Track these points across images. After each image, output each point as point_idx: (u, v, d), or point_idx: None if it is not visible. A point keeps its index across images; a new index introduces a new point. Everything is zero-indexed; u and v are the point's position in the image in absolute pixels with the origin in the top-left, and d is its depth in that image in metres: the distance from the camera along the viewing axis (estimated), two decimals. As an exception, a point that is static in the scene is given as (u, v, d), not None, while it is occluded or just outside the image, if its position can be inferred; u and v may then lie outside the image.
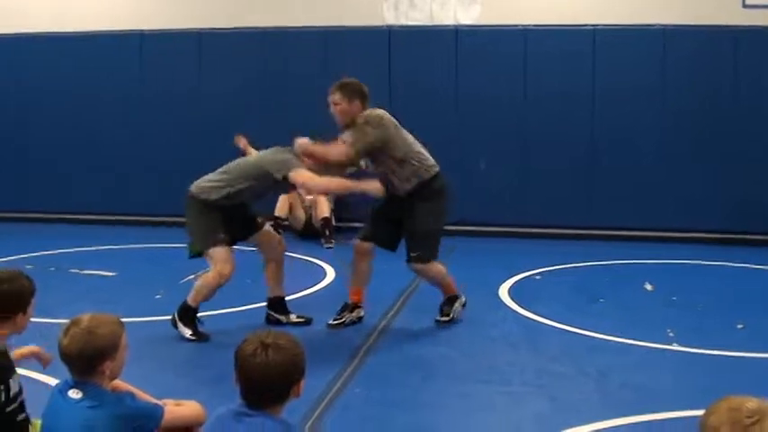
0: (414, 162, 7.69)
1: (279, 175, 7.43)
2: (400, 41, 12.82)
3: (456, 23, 12.97)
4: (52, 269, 10.09)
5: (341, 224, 12.32)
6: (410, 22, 13.06)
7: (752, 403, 2.88)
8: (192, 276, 9.69)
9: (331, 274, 10.04)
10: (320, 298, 9.03)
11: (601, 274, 10.51)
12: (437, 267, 7.90)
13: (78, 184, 13.67)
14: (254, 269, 9.68)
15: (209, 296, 7.57)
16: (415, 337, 7.58)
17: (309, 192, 7.49)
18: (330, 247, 11.74)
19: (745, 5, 12.37)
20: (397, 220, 7.80)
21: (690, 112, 12.30)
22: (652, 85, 12.36)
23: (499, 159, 12.70)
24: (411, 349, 7.27)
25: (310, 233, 12.30)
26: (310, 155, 7.59)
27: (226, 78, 13.22)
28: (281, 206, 12.22)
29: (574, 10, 12.70)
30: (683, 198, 12.42)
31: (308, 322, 7.92)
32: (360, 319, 8.02)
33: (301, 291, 9.21)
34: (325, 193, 7.41)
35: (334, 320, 7.94)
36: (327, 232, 12.00)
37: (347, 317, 7.96)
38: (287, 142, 12.59)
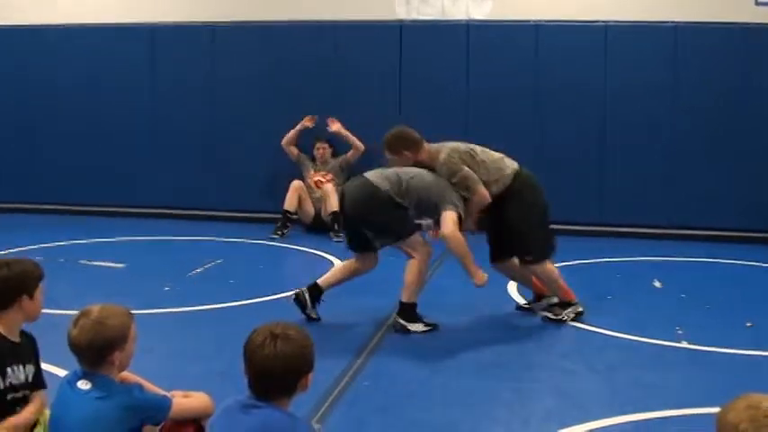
0: (493, 177, 7.93)
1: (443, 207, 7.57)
2: (412, 36, 12.81)
3: (468, 18, 12.94)
4: (62, 260, 10.11)
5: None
6: (422, 17, 13.03)
7: None
8: (200, 269, 9.73)
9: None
10: (329, 291, 9.01)
11: (610, 271, 10.50)
12: (547, 267, 8.05)
13: (89, 176, 13.68)
14: (263, 259, 9.75)
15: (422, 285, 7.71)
16: (425, 332, 7.56)
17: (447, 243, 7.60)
18: (339, 241, 11.71)
19: (757, 3, 12.33)
20: (498, 230, 8.09)
21: (702, 110, 12.27)
22: (664, 81, 12.33)
23: (511, 155, 12.62)
24: (420, 344, 7.27)
25: (319, 227, 12.31)
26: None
27: (238, 72, 13.22)
28: (291, 199, 12.21)
29: (586, 5, 12.66)
30: (693, 195, 12.40)
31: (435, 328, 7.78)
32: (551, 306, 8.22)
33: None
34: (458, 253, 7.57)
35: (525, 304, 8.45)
36: (336, 226, 11.99)
37: (534, 305, 8.36)
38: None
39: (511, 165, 8.12)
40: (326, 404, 5.60)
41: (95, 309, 3.85)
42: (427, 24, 12.88)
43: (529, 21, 12.65)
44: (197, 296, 8.54)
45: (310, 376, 3.56)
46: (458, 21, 12.91)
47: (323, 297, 7.87)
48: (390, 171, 7.71)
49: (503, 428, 5.54)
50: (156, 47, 13.44)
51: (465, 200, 7.74)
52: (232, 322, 7.58)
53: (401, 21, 12.95)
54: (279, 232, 11.97)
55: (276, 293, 8.59)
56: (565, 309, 7.97)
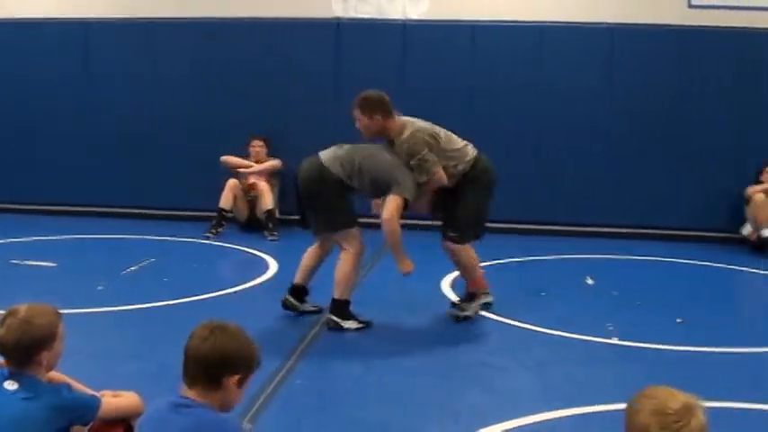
0: (451, 163, 7.91)
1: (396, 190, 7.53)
2: (349, 34, 12.81)
3: (405, 18, 12.96)
4: (-7, 259, 10.01)
5: (284, 216, 12.28)
6: (359, 15, 13.03)
7: (677, 402, 2.92)
8: (134, 268, 9.66)
9: (273, 266, 10.01)
10: (263, 290, 9.01)
11: (543, 269, 10.60)
12: (469, 251, 8.06)
13: (20, 173, 13.50)
14: (198, 257, 9.69)
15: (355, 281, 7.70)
16: (359, 330, 7.57)
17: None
18: (274, 240, 11.71)
19: (690, 6, 12.50)
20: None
21: (636, 111, 12.41)
22: (600, 82, 12.45)
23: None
24: (353, 341, 7.29)
25: (254, 225, 12.27)
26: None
27: (174, 69, 13.11)
28: (226, 198, 12.14)
29: (522, 7, 12.73)
30: (627, 194, 12.54)
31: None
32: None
33: (244, 283, 9.18)
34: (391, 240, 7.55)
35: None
36: (271, 224, 11.97)
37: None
38: (229, 132, 12.66)
39: (472, 152, 8.14)
40: (258, 403, 5.59)
41: (22, 308, 3.82)
42: (364, 23, 12.88)
43: (465, 21, 12.70)
44: (131, 295, 8.47)
45: (242, 380, 3.54)
46: (395, 20, 12.93)
47: (308, 289, 7.96)
48: (344, 151, 7.65)
49: (435, 425, 5.57)
50: (91, 43, 13.30)
51: (420, 183, 7.72)
52: (165, 321, 7.56)
53: (338, 18, 12.94)
54: (213, 231, 11.91)
55: (210, 292, 8.57)
56: (471, 302, 8.02)
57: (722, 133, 12.32)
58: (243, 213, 12.43)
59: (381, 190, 7.62)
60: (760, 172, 11.95)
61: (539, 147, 12.67)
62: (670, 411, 2.89)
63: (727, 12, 12.35)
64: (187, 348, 3.52)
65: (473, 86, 12.61)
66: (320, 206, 7.60)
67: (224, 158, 12.46)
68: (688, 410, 2.90)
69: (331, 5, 13.08)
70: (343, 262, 7.56)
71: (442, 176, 7.76)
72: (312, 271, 7.92)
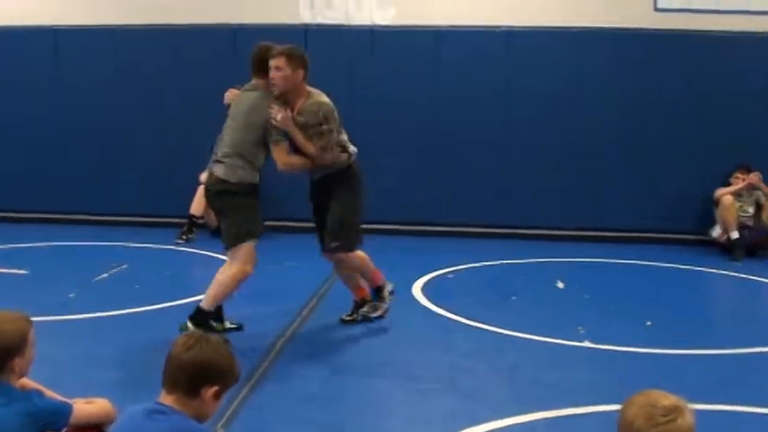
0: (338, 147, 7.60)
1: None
2: (316, 40, 12.80)
3: (371, 24, 12.98)
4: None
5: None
6: (326, 21, 13.04)
7: (668, 400, 2.96)
8: (106, 275, 9.64)
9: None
10: (235, 296, 8.98)
11: (514, 273, 10.62)
12: (357, 254, 7.77)
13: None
14: (169, 264, 9.67)
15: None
16: (327, 334, 7.60)
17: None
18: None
19: (657, 9, 12.58)
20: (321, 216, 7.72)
21: (604, 114, 12.47)
22: (565, 86, 12.50)
23: (412, 159, 12.76)
24: (322, 346, 7.29)
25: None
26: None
27: (143, 75, 13.07)
28: (197, 204, 12.09)
29: (488, 12, 12.77)
30: (596, 197, 12.60)
31: (239, 328, 7.64)
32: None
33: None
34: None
35: (347, 316, 8.05)
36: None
37: (358, 313, 8.06)
38: (200, 136, 12.63)
39: (353, 148, 7.81)
40: (231, 409, 5.58)
41: (-8, 315, 3.81)
42: (332, 29, 12.88)
43: (430, 26, 12.73)
44: (102, 302, 8.43)
45: (219, 391, 3.56)
46: (362, 26, 12.94)
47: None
48: (222, 152, 7.43)
49: (405, 429, 5.59)
50: (59, 49, 13.24)
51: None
52: (136, 328, 7.53)
53: (306, 25, 12.94)
54: (184, 237, 11.88)
55: (182, 298, 8.53)
56: (378, 301, 7.92)
57: (690, 136, 12.40)
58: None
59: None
60: (729, 174, 12.03)
61: (506, 151, 12.70)
62: (659, 407, 2.93)
63: (693, 15, 12.44)
64: (170, 355, 3.55)
65: (439, 90, 12.64)
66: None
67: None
68: (677, 409, 2.94)
69: (299, 12, 13.08)
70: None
71: (332, 156, 7.51)
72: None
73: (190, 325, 7.09)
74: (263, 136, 7.27)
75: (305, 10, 13.11)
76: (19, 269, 9.88)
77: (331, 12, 13.08)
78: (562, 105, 12.54)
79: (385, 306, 7.98)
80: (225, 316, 7.55)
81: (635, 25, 12.42)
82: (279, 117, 7.20)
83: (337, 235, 7.52)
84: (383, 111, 12.71)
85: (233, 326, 7.62)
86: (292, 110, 7.36)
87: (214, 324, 7.39)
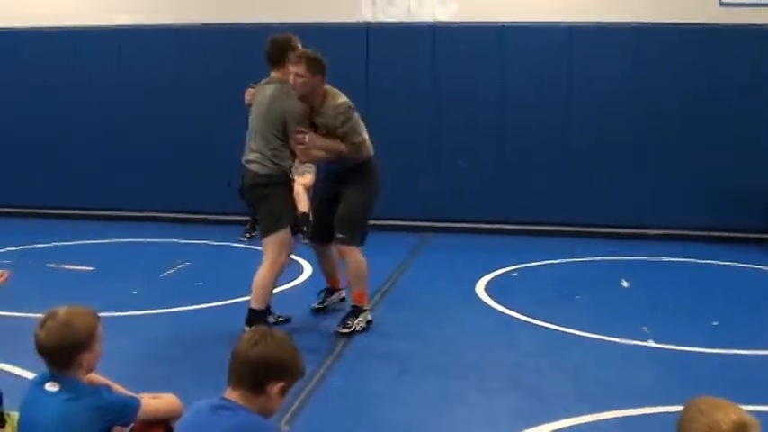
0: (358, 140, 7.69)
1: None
2: (378, 38, 12.83)
3: (433, 20, 12.98)
4: (31, 263, 10.05)
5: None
6: (388, 19, 13.05)
7: (728, 423, 2.86)
8: (171, 271, 9.72)
9: (308, 269, 10.03)
10: (298, 293, 9.03)
11: (577, 271, 10.56)
12: (359, 257, 7.79)
13: (59, 179, 13.63)
14: (231, 260, 9.71)
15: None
16: (393, 332, 7.59)
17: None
18: (307, 243, 11.70)
19: (722, 4, 12.44)
20: (332, 205, 7.84)
21: (666, 110, 12.38)
22: (628, 82, 12.42)
23: (477, 156, 12.74)
24: (387, 343, 7.28)
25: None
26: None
27: (204, 73, 13.19)
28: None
29: (550, 7, 12.73)
30: (661, 195, 12.49)
31: (287, 320, 7.81)
32: (342, 299, 8.30)
33: (278, 286, 9.17)
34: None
35: (318, 304, 8.23)
36: (305, 228, 11.95)
37: (329, 300, 8.29)
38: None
39: (371, 146, 7.84)
40: (295, 405, 5.60)
41: (62, 311, 3.84)
42: (394, 26, 12.90)
43: (494, 22, 12.70)
44: (166, 298, 8.53)
45: (285, 387, 3.56)
46: (424, 22, 12.94)
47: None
48: (250, 147, 7.65)
49: (471, 428, 5.56)
50: (123, 49, 13.38)
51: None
52: (200, 324, 7.58)
53: (368, 23, 12.96)
54: (247, 234, 11.95)
55: (245, 295, 8.54)
56: (356, 317, 7.67)
57: (757, 131, 12.25)
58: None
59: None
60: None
61: (568, 145, 12.65)
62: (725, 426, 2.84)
63: (759, 9, 12.27)
64: (235, 351, 3.55)
65: (503, 87, 12.61)
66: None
67: None
68: (745, 428, 2.85)
69: (360, 10, 13.11)
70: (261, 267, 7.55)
71: (355, 151, 7.62)
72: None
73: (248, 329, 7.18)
74: (284, 127, 7.38)
75: (366, 8, 13.13)
76: (85, 266, 10.00)
77: (393, 9, 13.10)
78: (625, 101, 12.44)
79: (354, 326, 7.63)
80: (272, 309, 7.71)
81: (699, 20, 12.29)
82: (307, 139, 7.38)
83: (344, 227, 7.67)
84: (445, 108, 12.69)
85: (281, 318, 7.75)
86: (312, 110, 7.51)
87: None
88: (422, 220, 12.78)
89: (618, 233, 12.51)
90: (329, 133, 7.50)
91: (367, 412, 5.74)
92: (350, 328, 7.55)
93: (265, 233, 7.50)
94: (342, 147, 7.49)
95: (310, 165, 11.11)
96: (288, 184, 7.57)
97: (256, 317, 7.31)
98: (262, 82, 7.77)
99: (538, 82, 12.58)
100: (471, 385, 6.30)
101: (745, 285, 10.16)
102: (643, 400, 5.81)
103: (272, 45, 7.69)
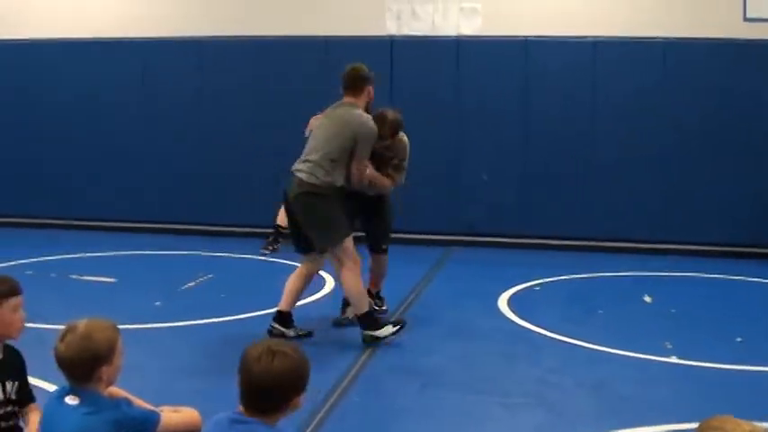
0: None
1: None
2: (402, 51, 12.83)
3: (458, 34, 12.97)
4: (53, 275, 10.10)
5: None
6: (412, 33, 13.06)
7: (746, 426, 2.83)
8: (193, 284, 9.73)
9: (330, 282, 10.02)
10: (320, 307, 9.02)
11: (600, 286, 10.52)
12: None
13: (80, 190, 13.66)
14: (254, 273, 9.71)
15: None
16: (414, 347, 7.57)
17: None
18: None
19: (746, 19, 12.40)
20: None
21: (690, 125, 12.31)
22: (652, 97, 12.36)
23: (501, 170, 12.71)
24: (409, 358, 7.27)
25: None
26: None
27: (226, 87, 13.21)
28: (284, 215, 12.13)
29: (575, 22, 12.70)
30: (684, 210, 12.42)
31: (310, 335, 7.81)
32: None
33: (301, 299, 9.17)
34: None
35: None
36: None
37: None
38: (285, 151, 12.72)
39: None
40: (317, 419, 5.59)
41: (81, 324, 3.84)
42: (418, 40, 12.90)
43: (518, 36, 12.68)
44: (188, 311, 8.54)
45: (303, 397, 3.54)
46: (448, 36, 12.94)
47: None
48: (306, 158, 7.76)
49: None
50: (148, 62, 13.43)
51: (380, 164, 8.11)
52: (222, 337, 7.59)
53: (392, 36, 12.97)
54: (270, 247, 11.94)
55: (267, 308, 8.57)
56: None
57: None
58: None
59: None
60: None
61: (590, 161, 12.59)
62: None
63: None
64: (247, 377, 3.46)
65: (527, 101, 12.58)
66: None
67: None
68: None
69: (385, 23, 13.13)
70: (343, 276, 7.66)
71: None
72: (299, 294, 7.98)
73: (370, 333, 7.51)
74: (354, 146, 7.58)
75: (391, 22, 13.14)
76: (107, 277, 10.03)
77: (417, 23, 13.10)
78: (649, 116, 12.39)
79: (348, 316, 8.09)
80: (295, 323, 7.81)
81: (724, 35, 12.25)
82: (368, 172, 7.84)
83: (385, 239, 8.45)
84: (468, 122, 12.68)
85: (302, 333, 7.76)
86: (379, 136, 7.91)
87: (284, 330, 7.64)
88: (444, 234, 12.77)
89: (641, 248, 12.45)
90: (383, 160, 8.11)
91: (388, 427, 5.73)
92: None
93: (327, 243, 7.61)
94: (387, 182, 8.13)
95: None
96: (336, 195, 7.63)
97: (368, 318, 7.57)
98: (336, 104, 8.05)
99: (562, 96, 12.54)
100: (494, 401, 6.29)
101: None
102: (666, 417, 5.79)
103: (353, 73, 8.20)
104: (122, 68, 13.51)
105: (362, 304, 7.56)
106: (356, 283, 7.55)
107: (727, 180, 12.29)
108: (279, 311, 7.76)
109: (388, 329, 7.53)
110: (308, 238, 7.70)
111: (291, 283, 7.87)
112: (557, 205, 12.52)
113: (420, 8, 13.10)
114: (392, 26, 13.14)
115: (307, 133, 8.44)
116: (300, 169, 7.62)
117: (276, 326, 7.69)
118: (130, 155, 13.51)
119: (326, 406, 5.88)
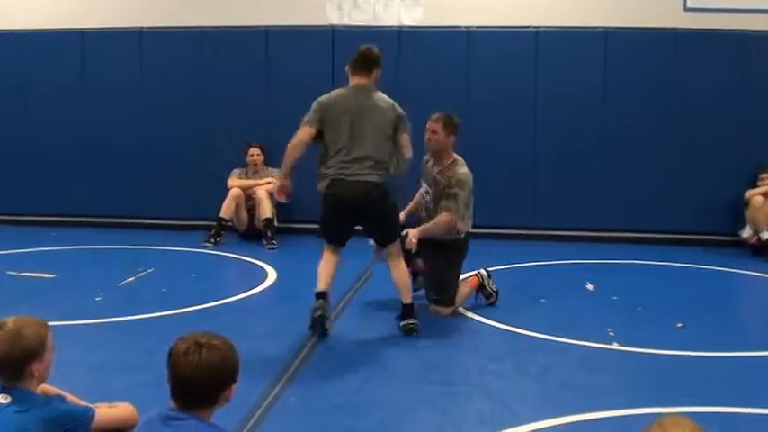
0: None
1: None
2: (344, 41, 12.74)
3: (399, 24, 12.96)
4: (-11, 271, 9.97)
5: (283, 225, 12.28)
6: (354, 23, 13.02)
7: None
8: (132, 278, 9.63)
9: (272, 274, 9.97)
10: (262, 299, 8.97)
11: (543, 275, 10.55)
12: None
13: (18, 185, 13.49)
14: (196, 267, 9.64)
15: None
16: (357, 338, 7.54)
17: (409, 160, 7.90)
18: (272, 249, 11.66)
19: (687, 9, 12.51)
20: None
21: (632, 114, 12.39)
22: (594, 86, 12.43)
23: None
24: (352, 349, 7.23)
25: (253, 234, 12.21)
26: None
27: (168, 77, 13.09)
28: (228, 207, 12.08)
29: (516, 12, 12.75)
30: (625, 198, 12.51)
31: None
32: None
33: (243, 292, 9.14)
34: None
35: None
36: (269, 233, 11.92)
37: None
38: (226, 141, 12.66)
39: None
40: (256, 415, 5.54)
41: (10, 321, 3.78)
42: (359, 30, 12.84)
43: (460, 27, 12.69)
44: (128, 306, 8.43)
45: (234, 388, 3.51)
46: (390, 27, 12.91)
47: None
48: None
49: (436, 433, 5.53)
50: (86, 51, 13.26)
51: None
52: (163, 332, 7.46)
53: (333, 26, 12.92)
54: (212, 240, 11.86)
55: (209, 302, 8.52)
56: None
57: (721, 136, 12.32)
58: (243, 222, 12.37)
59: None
60: (757, 175, 11.93)
61: (535, 152, 12.65)
62: None
63: (723, 14, 12.36)
64: (176, 372, 3.45)
65: (468, 92, 12.58)
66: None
67: (232, 186, 12.31)
68: None
69: (326, 13, 13.08)
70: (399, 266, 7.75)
71: (453, 222, 8.22)
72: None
73: (410, 321, 7.64)
74: (395, 130, 7.86)
75: (332, 12, 13.10)
76: (47, 273, 9.89)
77: (359, 13, 13.07)
78: (591, 106, 12.47)
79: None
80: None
81: (664, 25, 12.34)
82: (414, 241, 7.95)
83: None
84: (411, 113, 12.64)
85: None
86: (436, 165, 8.46)
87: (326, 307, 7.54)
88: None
89: (582, 236, 12.55)
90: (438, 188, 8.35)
91: (330, 419, 5.66)
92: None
93: (392, 240, 7.75)
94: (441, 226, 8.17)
95: (274, 170, 11.13)
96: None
97: (412, 309, 7.71)
98: (340, 90, 8.03)
99: (504, 86, 12.57)
100: (437, 390, 6.24)
101: (711, 288, 10.19)
102: (608, 403, 5.80)
103: (367, 53, 8.20)
104: (58, 59, 13.32)
105: (410, 294, 7.76)
106: (407, 274, 7.85)
107: (668, 170, 12.41)
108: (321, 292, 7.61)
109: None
110: (350, 233, 7.80)
111: (326, 268, 7.73)
112: (499, 195, 12.52)
113: (361, -2, 13.09)
114: (333, 16, 13.10)
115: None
116: (363, 172, 7.57)
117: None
118: (68, 148, 13.32)
119: (265, 403, 5.82)
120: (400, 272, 7.72)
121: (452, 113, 8.55)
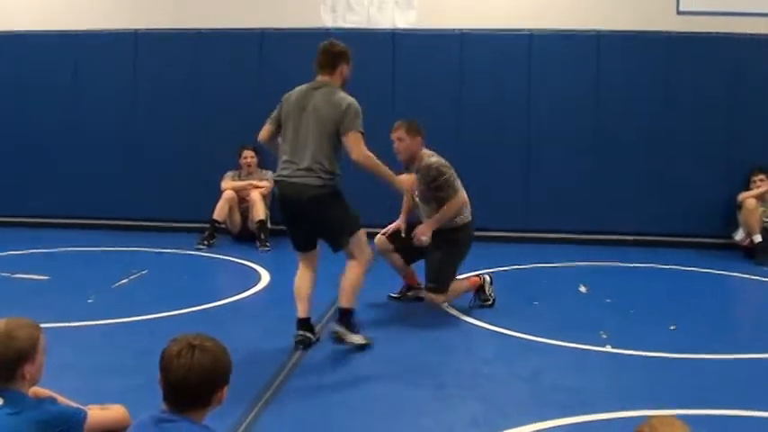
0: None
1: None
2: (338, 44, 12.78)
3: (393, 27, 12.96)
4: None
5: (276, 227, 12.27)
6: (348, 25, 13.02)
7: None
8: (126, 280, 9.62)
9: (266, 277, 9.97)
10: (255, 301, 8.97)
11: (536, 277, 10.56)
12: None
13: (10, 186, 13.47)
14: (189, 269, 9.62)
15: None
16: (360, 347, 7.52)
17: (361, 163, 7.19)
18: (266, 250, 11.66)
19: (679, 12, 12.53)
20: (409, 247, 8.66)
21: (625, 117, 12.42)
22: (587, 89, 12.45)
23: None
24: (343, 352, 7.21)
25: (246, 236, 12.21)
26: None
27: (162, 80, 13.10)
28: (221, 209, 12.08)
29: (510, 14, 12.76)
30: (618, 201, 12.53)
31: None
32: (419, 299, 8.87)
33: (236, 294, 9.13)
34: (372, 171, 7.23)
35: (396, 294, 9.04)
36: (263, 235, 11.92)
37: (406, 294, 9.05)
38: (220, 143, 12.65)
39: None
40: (249, 419, 5.54)
41: (2, 323, 3.78)
42: (353, 32, 12.83)
43: (454, 29, 12.70)
44: (121, 308, 8.41)
45: (226, 390, 3.51)
46: (383, 29, 12.92)
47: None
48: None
49: (427, 436, 5.53)
50: (80, 54, 13.25)
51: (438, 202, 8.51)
52: (155, 334, 7.47)
53: (327, 28, 12.92)
54: (205, 242, 11.85)
55: (202, 304, 8.52)
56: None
57: (714, 139, 12.35)
58: (237, 225, 12.37)
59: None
60: (750, 177, 11.95)
61: (528, 154, 12.67)
62: None
63: (715, 18, 12.39)
64: (168, 374, 3.45)
65: (462, 94, 12.59)
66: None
67: (226, 189, 12.30)
68: None
69: (320, 15, 13.09)
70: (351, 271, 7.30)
71: (463, 199, 8.63)
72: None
73: (340, 329, 7.25)
74: (338, 131, 7.19)
75: (326, 14, 13.11)
76: (39, 274, 9.88)
77: (353, 16, 13.08)
78: (584, 109, 12.49)
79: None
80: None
81: (657, 28, 12.37)
82: (424, 239, 8.38)
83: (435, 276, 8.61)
84: (404, 114, 12.64)
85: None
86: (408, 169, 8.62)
87: (309, 336, 7.31)
88: (378, 227, 12.73)
89: (575, 239, 12.57)
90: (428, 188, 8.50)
91: (322, 422, 5.67)
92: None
93: (344, 239, 7.21)
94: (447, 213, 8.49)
95: (268, 172, 11.13)
96: (339, 189, 7.26)
97: (349, 315, 7.28)
98: (302, 86, 7.59)
99: (497, 89, 12.59)
100: (429, 393, 6.25)
101: (704, 290, 10.18)
102: (601, 406, 5.81)
103: (331, 49, 7.68)
104: (51, 62, 13.31)
105: (353, 300, 7.28)
106: (361, 279, 7.28)
107: (661, 172, 12.43)
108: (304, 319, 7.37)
109: (359, 339, 7.25)
110: (314, 238, 7.40)
111: (301, 289, 7.40)
112: (492, 197, 12.52)
113: (355, 0, 13.08)
114: (327, 18, 13.10)
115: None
116: (300, 174, 7.09)
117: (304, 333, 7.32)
118: (64, 150, 13.32)
119: (258, 405, 5.82)
120: (348, 278, 7.24)
121: (410, 118, 8.82)
